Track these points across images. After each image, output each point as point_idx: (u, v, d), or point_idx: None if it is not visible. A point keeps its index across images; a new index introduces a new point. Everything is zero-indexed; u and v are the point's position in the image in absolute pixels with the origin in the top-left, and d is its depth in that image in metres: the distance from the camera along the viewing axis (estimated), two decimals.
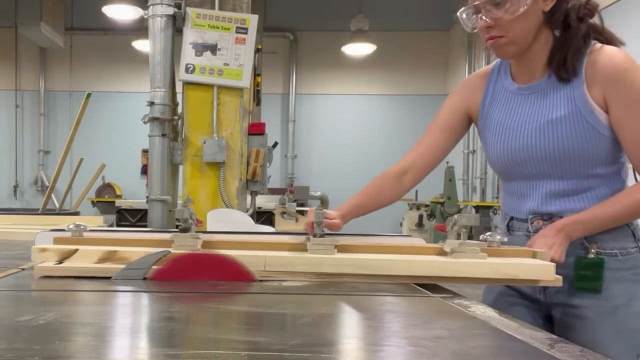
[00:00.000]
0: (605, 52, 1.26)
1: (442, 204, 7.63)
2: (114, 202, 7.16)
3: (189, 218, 1.17)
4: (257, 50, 3.35)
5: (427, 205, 8.08)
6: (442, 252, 1.16)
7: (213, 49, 3.09)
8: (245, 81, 3.12)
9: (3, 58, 9.56)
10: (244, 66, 3.10)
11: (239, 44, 3.10)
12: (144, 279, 1.07)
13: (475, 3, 1.27)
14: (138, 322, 0.83)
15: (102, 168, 4.43)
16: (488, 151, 1.45)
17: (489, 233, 1.19)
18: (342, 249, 1.16)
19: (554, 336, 0.74)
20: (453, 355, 0.68)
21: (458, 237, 1.12)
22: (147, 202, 3.15)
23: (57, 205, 4.05)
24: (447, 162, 7.02)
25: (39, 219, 2.67)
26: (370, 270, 1.09)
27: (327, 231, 1.25)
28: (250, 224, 2.03)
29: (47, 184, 9.04)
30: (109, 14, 7.42)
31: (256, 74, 3.73)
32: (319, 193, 8.95)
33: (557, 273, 1.32)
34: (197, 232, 1.19)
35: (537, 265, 1.09)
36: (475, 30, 1.32)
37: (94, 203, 8.18)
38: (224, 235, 1.37)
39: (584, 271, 1.29)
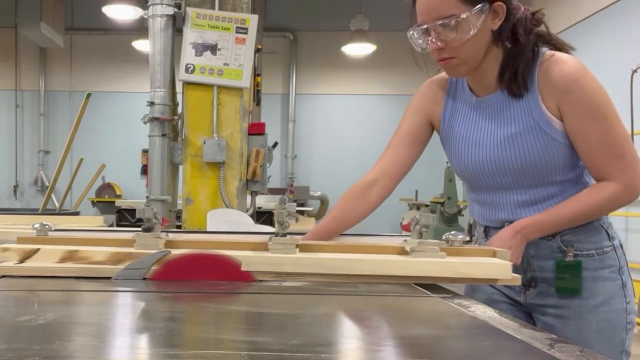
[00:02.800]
0: (557, 62, 1.26)
1: (442, 204, 7.63)
2: (114, 202, 7.16)
3: (153, 217, 1.16)
4: (257, 50, 3.36)
5: (427, 205, 8.07)
6: (403, 252, 1.17)
7: (213, 49, 3.09)
8: (245, 81, 3.12)
9: (3, 58, 9.56)
10: (244, 66, 3.10)
11: (239, 44, 3.10)
12: (144, 279, 1.07)
13: (425, 26, 1.26)
14: (138, 322, 0.83)
15: (102, 168, 4.44)
16: (452, 162, 1.47)
17: (452, 232, 1.21)
18: (305, 248, 1.18)
19: (554, 336, 0.74)
20: (453, 355, 0.68)
21: (420, 236, 1.13)
22: (147, 202, 3.15)
23: (57, 205, 4.05)
24: (447, 163, 7.01)
25: (39, 219, 2.66)
26: (329, 270, 1.09)
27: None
28: (250, 224, 2.03)
29: (47, 184, 9.05)
30: (109, 14, 7.42)
31: (256, 74, 3.73)
32: (318, 193, 8.95)
33: (538, 277, 1.36)
34: (163, 231, 1.20)
35: (494, 264, 1.10)
36: (427, 51, 1.32)
37: (94, 203, 8.18)
38: (188, 235, 1.38)
39: (563, 274, 1.32)
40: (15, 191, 9.79)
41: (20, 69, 9.71)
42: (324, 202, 9.06)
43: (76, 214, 3.31)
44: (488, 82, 1.34)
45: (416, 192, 8.33)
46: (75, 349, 0.66)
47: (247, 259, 1.09)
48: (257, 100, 4.20)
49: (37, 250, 1.13)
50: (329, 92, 9.84)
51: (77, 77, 9.74)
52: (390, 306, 0.97)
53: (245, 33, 3.11)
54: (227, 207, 3.06)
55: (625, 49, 5.71)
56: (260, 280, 1.09)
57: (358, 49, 8.61)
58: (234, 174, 3.15)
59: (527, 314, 1.42)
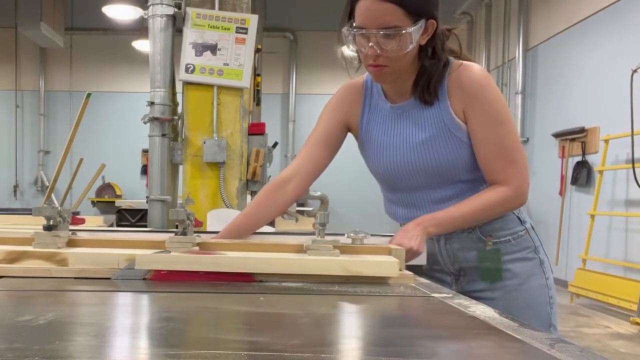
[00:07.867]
0: (465, 69, 1.36)
1: None
2: (114, 202, 7.16)
3: (57, 215, 1.16)
4: (257, 50, 3.36)
5: None
6: (301, 249, 1.18)
7: (213, 49, 3.09)
8: (245, 81, 3.12)
9: (3, 58, 9.57)
10: (244, 66, 3.10)
11: (239, 44, 3.10)
12: (144, 279, 1.07)
13: (366, 32, 1.29)
14: (138, 322, 0.83)
15: (102, 168, 4.43)
16: (370, 165, 1.53)
17: (355, 230, 1.25)
18: (204, 247, 1.20)
19: (554, 336, 0.74)
20: (453, 355, 0.68)
21: (319, 234, 1.15)
22: (147, 202, 3.15)
23: (57, 206, 4.05)
24: None
25: (39, 219, 2.66)
26: (222, 268, 1.09)
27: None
28: None
29: (47, 184, 9.05)
30: (109, 14, 7.43)
31: (256, 74, 3.73)
32: (318, 193, 8.94)
33: (465, 267, 1.45)
34: (70, 230, 1.21)
35: (383, 262, 1.10)
36: (357, 53, 1.37)
37: (94, 203, 8.18)
38: (91, 234, 1.39)
39: (485, 262, 1.44)
40: (15, 191, 9.80)
41: (20, 69, 9.72)
42: (323, 202, 9.04)
43: (76, 214, 3.31)
44: (403, 90, 1.42)
45: None
46: (75, 349, 0.66)
47: (141, 257, 1.08)
48: (257, 100, 4.20)
49: None
50: (329, 92, 9.81)
51: (77, 77, 9.74)
52: (391, 306, 0.97)
53: (245, 33, 3.11)
54: (227, 207, 3.06)
55: (625, 49, 5.71)
56: (260, 281, 1.09)
57: None
58: (234, 174, 3.15)
59: None
